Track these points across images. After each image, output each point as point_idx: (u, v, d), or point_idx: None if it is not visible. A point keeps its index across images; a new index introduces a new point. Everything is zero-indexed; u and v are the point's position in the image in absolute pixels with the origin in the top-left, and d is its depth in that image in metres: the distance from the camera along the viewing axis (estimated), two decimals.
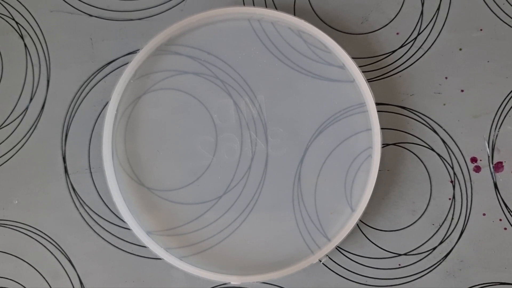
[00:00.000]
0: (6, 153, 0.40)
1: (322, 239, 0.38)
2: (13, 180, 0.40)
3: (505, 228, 0.39)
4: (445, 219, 0.39)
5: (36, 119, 0.40)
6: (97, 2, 0.41)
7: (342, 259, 0.39)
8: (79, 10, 0.41)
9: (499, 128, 0.39)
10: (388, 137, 0.39)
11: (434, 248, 0.39)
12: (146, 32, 0.40)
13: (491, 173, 0.39)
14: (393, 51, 0.40)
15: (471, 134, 0.39)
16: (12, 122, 0.40)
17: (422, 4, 0.40)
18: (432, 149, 0.39)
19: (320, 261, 0.38)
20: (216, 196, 0.39)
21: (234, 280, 0.37)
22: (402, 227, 0.39)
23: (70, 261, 0.40)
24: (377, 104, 0.37)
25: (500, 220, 0.39)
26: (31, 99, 0.40)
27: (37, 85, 0.40)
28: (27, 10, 0.41)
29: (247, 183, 0.39)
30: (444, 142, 0.39)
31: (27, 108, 0.40)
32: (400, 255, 0.39)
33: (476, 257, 0.39)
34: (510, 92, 0.39)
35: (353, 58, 0.38)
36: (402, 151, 0.39)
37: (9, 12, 0.41)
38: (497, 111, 0.39)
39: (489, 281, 0.39)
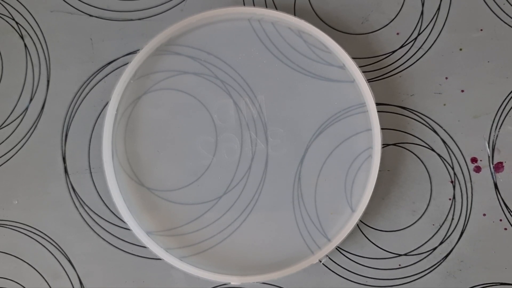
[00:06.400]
0: (6, 153, 0.40)
1: (322, 239, 0.38)
2: (13, 180, 0.40)
3: (505, 229, 0.39)
4: (445, 220, 0.39)
5: (36, 119, 0.40)
6: (97, 2, 0.41)
7: (342, 259, 0.39)
8: (79, 10, 0.41)
9: (499, 128, 0.39)
10: (388, 137, 0.39)
11: (434, 249, 0.39)
12: (146, 32, 0.40)
13: (491, 174, 0.39)
14: (393, 51, 0.40)
15: (471, 134, 0.39)
16: (12, 122, 0.40)
17: (422, 4, 0.40)
18: (432, 149, 0.39)
19: (320, 261, 0.38)
20: (216, 196, 0.39)
21: (234, 280, 0.37)
22: (402, 227, 0.39)
23: (70, 261, 0.40)
24: (377, 104, 0.37)
25: (500, 220, 0.39)
26: (31, 99, 0.40)
27: (37, 85, 0.40)
28: (27, 10, 0.41)
29: (247, 183, 0.39)
30: (444, 142, 0.39)
31: (27, 108, 0.40)
32: (400, 255, 0.39)
33: (476, 258, 0.39)
34: (510, 93, 0.39)
35: (353, 58, 0.38)
36: (402, 151, 0.39)
37: (9, 12, 0.41)
38: (497, 111, 0.39)
39: (489, 281, 0.39)
